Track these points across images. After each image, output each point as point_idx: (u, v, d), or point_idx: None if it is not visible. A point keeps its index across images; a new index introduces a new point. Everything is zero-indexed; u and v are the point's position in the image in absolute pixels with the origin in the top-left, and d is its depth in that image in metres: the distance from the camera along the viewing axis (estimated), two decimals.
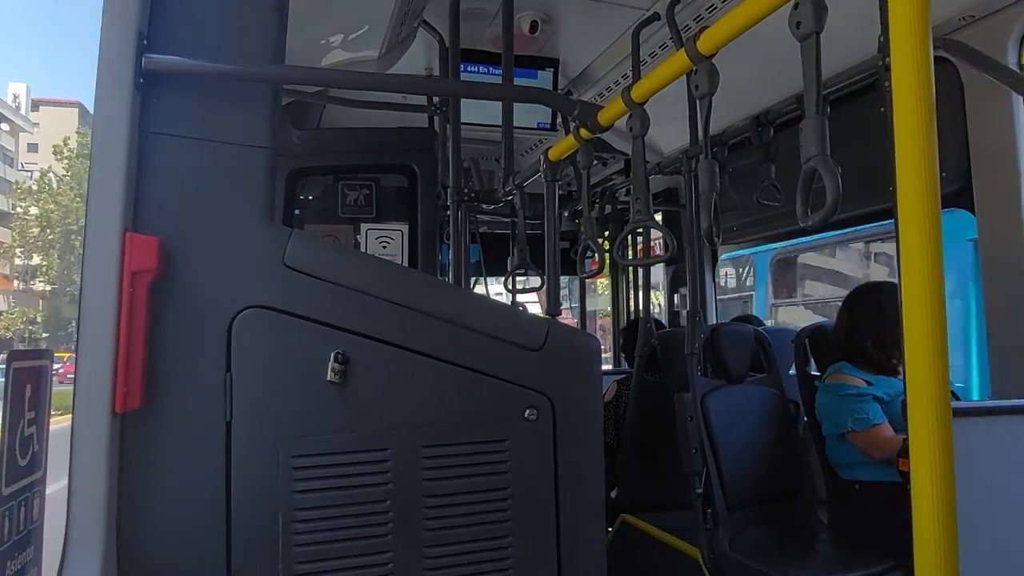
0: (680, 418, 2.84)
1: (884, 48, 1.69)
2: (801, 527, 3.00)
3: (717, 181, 1.69)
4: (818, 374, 3.07)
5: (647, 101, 1.84)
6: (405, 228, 3.64)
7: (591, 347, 1.95)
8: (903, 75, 1.13)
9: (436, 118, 3.77)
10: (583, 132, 2.07)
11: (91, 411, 1.45)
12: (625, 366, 4.75)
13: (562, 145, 2.28)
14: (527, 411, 1.81)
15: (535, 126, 3.98)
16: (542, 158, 2.33)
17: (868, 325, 2.81)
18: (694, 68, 1.64)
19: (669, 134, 3.91)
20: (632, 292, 5.22)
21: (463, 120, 3.45)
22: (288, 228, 1.72)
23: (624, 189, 4.60)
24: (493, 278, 5.53)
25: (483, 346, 1.79)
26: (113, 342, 1.46)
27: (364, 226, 3.62)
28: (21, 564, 1.32)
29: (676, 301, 4.76)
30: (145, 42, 1.56)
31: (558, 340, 1.87)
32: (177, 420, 1.57)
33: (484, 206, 3.46)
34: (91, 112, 1.56)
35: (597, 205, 4.60)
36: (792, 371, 3.14)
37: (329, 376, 1.65)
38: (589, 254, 2.25)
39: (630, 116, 1.83)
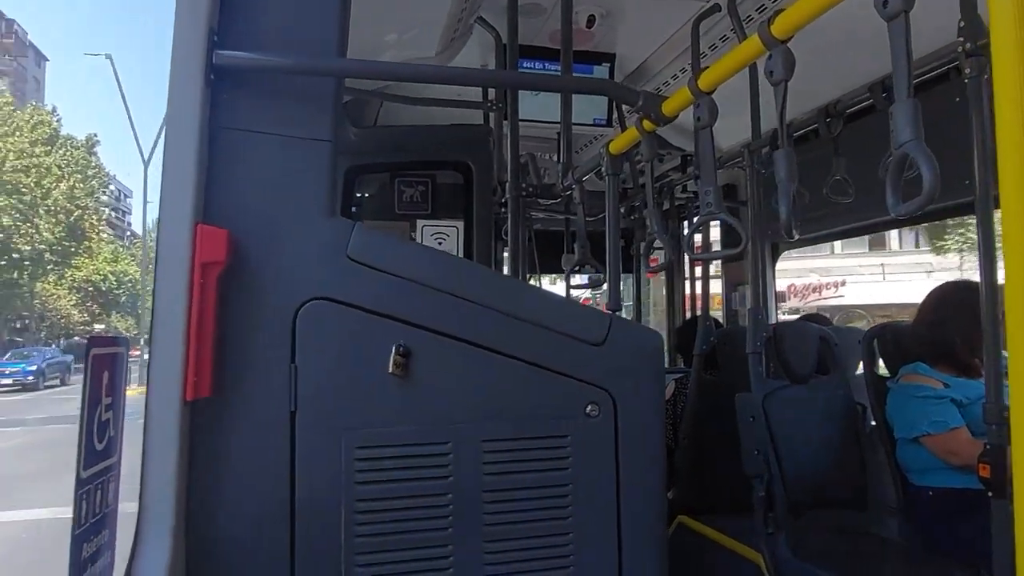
0: (741, 418, 2.76)
1: (966, 33, 1.60)
2: (869, 534, 2.89)
3: (796, 171, 1.63)
4: (888, 375, 2.94)
5: (714, 91, 1.79)
6: (461, 225, 3.65)
7: (654, 343, 1.91)
8: (1005, 60, 1.06)
9: (492, 115, 3.77)
10: (646, 124, 2.03)
11: (163, 399, 1.48)
12: (680, 365, 4.67)
13: (624, 138, 2.23)
14: (588, 407, 1.79)
15: (591, 122, 3.93)
16: (602, 152, 2.30)
17: (959, 324, 2.67)
18: (768, 54, 1.58)
19: (723, 130, 3.82)
20: (689, 290, 5.12)
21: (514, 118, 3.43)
22: (351, 221, 1.73)
23: (681, 186, 4.52)
24: (546, 276, 5.51)
25: (544, 340, 1.77)
26: (184, 332, 1.49)
27: (420, 223, 3.64)
28: (96, 547, 1.36)
29: (734, 299, 4.64)
30: (215, 38, 1.59)
31: (620, 335, 1.84)
32: (244, 409, 1.60)
33: (541, 201, 3.42)
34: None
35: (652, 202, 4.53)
36: (859, 372, 3.03)
37: (391, 368, 1.66)
38: (649, 250, 2.21)
39: (697, 106, 1.79)
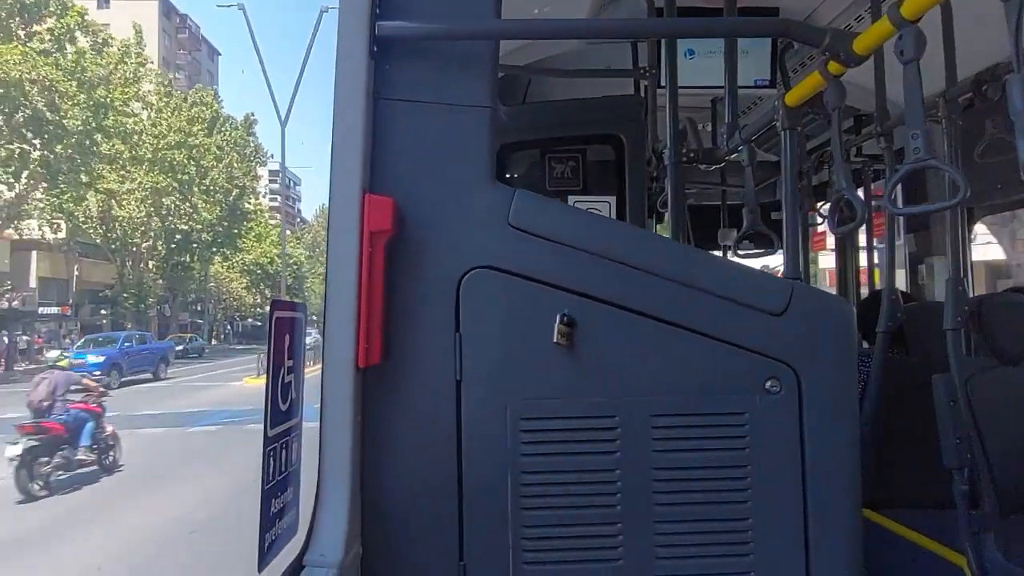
0: (939, 403, 2.45)
1: None
2: None
3: None
4: None
5: (920, 19, 1.55)
6: (613, 200, 3.54)
7: (843, 312, 1.72)
8: None
9: (643, 85, 3.61)
10: (832, 67, 1.81)
11: (337, 365, 1.53)
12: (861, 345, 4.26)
13: (805, 86, 2.01)
14: (768, 382, 1.64)
15: (752, 84, 3.66)
16: (777, 104, 2.09)
17: None
18: None
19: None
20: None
21: (665, 85, 3.23)
22: (511, 188, 1.69)
23: (855, 148, 4.10)
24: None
25: (718, 309, 1.64)
26: (355, 300, 1.52)
27: (571, 199, 3.57)
28: (283, 504, 1.42)
29: (922, 271, 4.15)
30: (377, 10, 1.60)
31: (803, 304, 1.66)
32: (411, 377, 1.61)
33: (701, 166, 3.22)
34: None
35: (806, 174, 4.15)
36: None
37: (555, 338, 1.61)
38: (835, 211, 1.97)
39: (899, 38, 1.55)
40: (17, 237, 33.68)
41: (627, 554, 1.61)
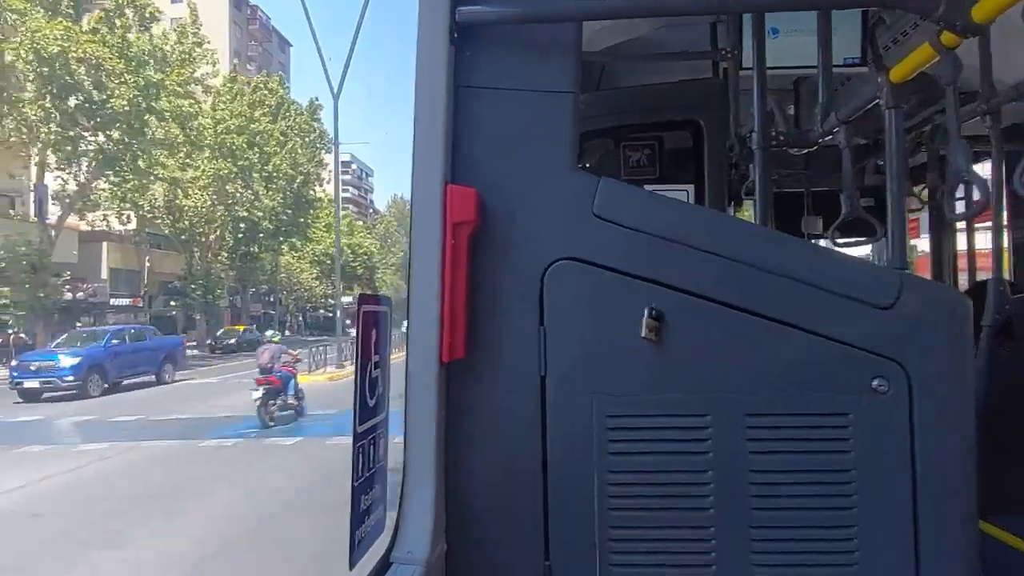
0: None
1: None
2: None
3: None
4: None
5: None
6: (691, 188, 3.42)
7: (958, 304, 1.58)
8: None
9: (723, 67, 3.46)
10: (946, 37, 1.67)
11: (422, 361, 1.50)
12: None
13: (910, 62, 1.86)
14: (875, 381, 1.52)
15: (840, 62, 3.45)
16: (881, 81, 1.95)
17: None
18: None
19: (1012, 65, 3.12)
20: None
21: (748, 66, 3.06)
22: (595, 176, 1.62)
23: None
24: None
25: (819, 302, 1.53)
26: (439, 293, 1.49)
27: (647, 188, 3.46)
28: (371, 500, 1.41)
29: None
30: None
31: (914, 297, 1.54)
32: (495, 372, 1.57)
33: (794, 150, 3.06)
34: None
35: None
36: None
37: (643, 333, 1.54)
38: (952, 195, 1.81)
39: None
40: (88, 228, 33.77)
41: (720, 560, 1.54)
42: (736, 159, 3.52)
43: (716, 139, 3.34)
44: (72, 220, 32.66)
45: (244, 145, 37.30)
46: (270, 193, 39.45)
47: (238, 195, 37.81)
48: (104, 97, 29.08)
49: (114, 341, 22.53)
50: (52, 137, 28.82)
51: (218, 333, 38.38)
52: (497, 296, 1.58)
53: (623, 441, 1.55)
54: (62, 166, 30.44)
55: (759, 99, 2.79)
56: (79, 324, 32.01)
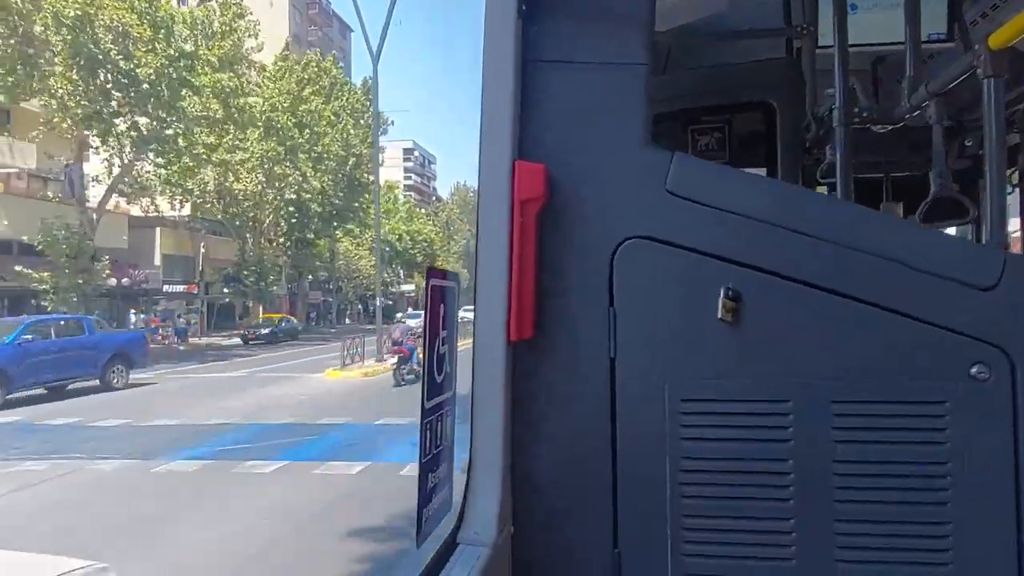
0: None
1: None
2: None
3: None
4: None
5: None
6: (763, 172, 3.29)
7: None
8: None
9: (796, 45, 3.30)
10: None
11: (489, 339, 1.48)
12: None
13: (1012, 27, 1.72)
14: (974, 368, 1.42)
15: (927, 38, 3.25)
16: (979, 47, 1.81)
17: None
18: None
19: None
20: None
21: (825, 44, 2.91)
22: (669, 151, 1.55)
23: None
24: None
25: (912, 283, 1.43)
26: (507, 272, 1.46)
27: None
28: (438, 479, 1.39)
29: None
30: None
31: (1019, 277, 1.42)
32: (563, 353, 1.53)
33: (876, 128, 2.89)
34: None
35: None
36: None
37: (720, 314, 1.47)
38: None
39: None
40: (140, 214, 32.65)
41: (801, 554, 1.46)
42: (810, 142, 3.37)
43: (789, 120, 3.20)
44: (122, 205, 32.09)
45: (291, 124, 36.24)
46: (318, 174, 38.24)
47: (287, 176, 36.64)
48: (131, 67, 27.56)
49: (26, 336, 17.66)
50: (81, 112, 27.30)
51: (252, 322, 37.59)
52: (566, 275, 1.53)
53: (697, 427, 1.49)
54: (101, 146, 29.18)
55: (841, 75, 2.64)
56: (132, 311, 32.15)
